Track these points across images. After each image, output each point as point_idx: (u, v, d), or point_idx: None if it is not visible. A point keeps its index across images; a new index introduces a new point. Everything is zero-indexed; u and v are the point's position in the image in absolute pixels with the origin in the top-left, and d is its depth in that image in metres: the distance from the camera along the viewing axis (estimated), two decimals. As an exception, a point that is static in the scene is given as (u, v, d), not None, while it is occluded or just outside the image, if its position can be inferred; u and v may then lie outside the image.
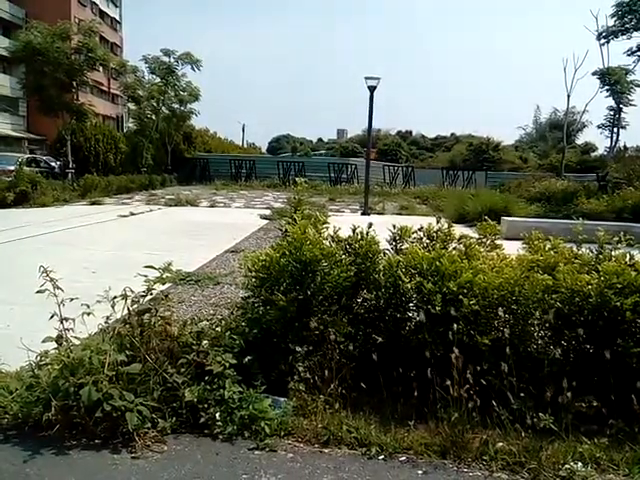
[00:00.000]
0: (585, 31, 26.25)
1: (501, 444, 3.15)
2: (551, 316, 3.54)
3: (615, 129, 26.99)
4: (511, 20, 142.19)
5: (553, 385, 3.27)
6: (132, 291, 3.84)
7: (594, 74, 25.90)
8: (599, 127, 28.40)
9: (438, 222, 4.53)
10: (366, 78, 18.62)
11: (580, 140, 48.17)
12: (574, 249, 4.17)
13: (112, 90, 48.05)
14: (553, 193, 19.74)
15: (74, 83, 24.34)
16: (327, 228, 4.45)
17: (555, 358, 3.52)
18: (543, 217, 15.43)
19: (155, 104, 30.16)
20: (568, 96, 26.65)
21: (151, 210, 18.12)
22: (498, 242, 4.62)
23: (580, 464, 3.05)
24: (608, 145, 28.11)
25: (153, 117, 30.66)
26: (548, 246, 4.23)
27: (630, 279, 3.54)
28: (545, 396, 3.23)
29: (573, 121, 40.41)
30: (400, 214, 18.45)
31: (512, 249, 4.47)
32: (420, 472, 3.08)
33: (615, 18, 24.03)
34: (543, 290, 3.67)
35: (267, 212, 16.99)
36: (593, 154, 40.53)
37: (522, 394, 3.32)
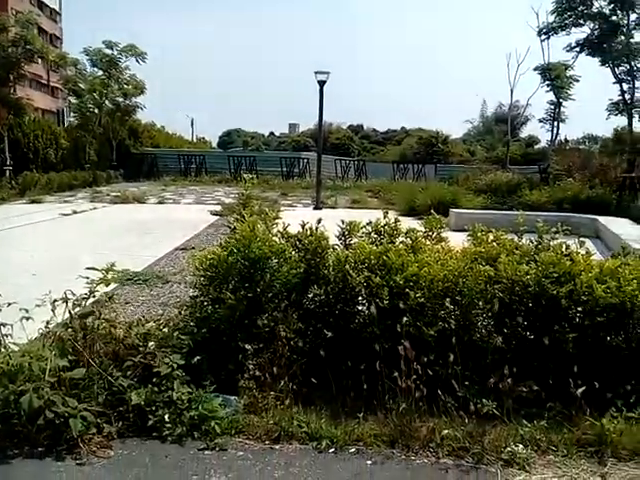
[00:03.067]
0: (527, 28, 27.20)
1: (447, 431, 3.24)
2: (495, 306, 3.67)
3: (555, 123, 28.03)
4: (453, 17, 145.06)
5: (496, 372, 3.39)
6: (74, 294, 3.74)
7: (535, 69, 26.78)
8: (540, 121, 29.39)
9: (385, 217, 4.61)
10: (316, 73, 18.56)
11: (524, 133, 49.78)
12: (516, 240, 4.33)
13: (52, 83, 46.05)
14: (499, 185, 20.31)
15: (11, 77, 23.20)
16: (277, 224, 4.44)
17: (497, 346, 3.66)
18: (489, 208, 15.89)
19: (97, 97, 29.07)
20: (511, 91, 27.53)
21: (95, 208, 17.50)
22: (446, 234, 4.73)
23: (521, 446, 3.19)
24: (549, 138, 29.19)
25: (96, 111, 29.55)
26: (491, 238, 4.37)
27: (565, 268, 3.71)
28: (488, 383, 3.36)
29: (517, 115, 41.77)
30: (352, 208, 18.57)
31: (459, 240, 4.59)
32: (369, 462, 3.14)
33: (555, 14, 24.89)
34: (485, 281, 3.80)
35: (218, 208, 16.73)
36: (536, 147, 41.95)
37: (467, 382, 3.43)
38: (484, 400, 3.31)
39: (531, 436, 3.26)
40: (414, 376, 3.33)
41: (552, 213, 12.51)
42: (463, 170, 27.94)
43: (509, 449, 3.15)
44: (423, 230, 4.66)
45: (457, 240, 4.61)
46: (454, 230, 7.28)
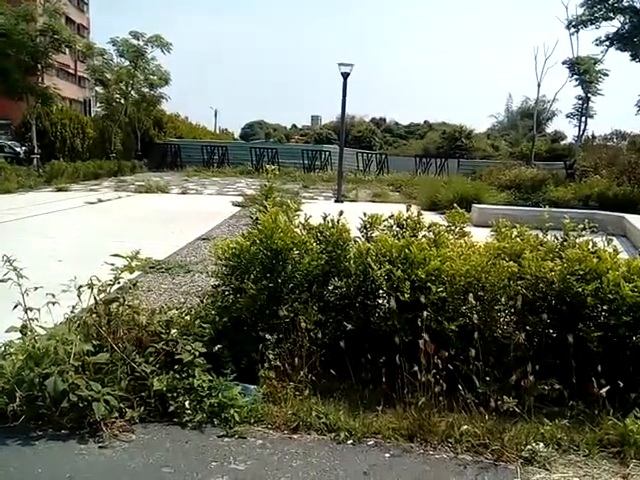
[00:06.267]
0: (556, 21, 26.58)
1: (466, 427, 3.22)
2: (518, 302, 3.62)
3: (583, 118, 27.40)
4: (483, 10, 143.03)
5: (517, 369, 3.36)
6: (99, 280, 3.79)
7: (564, 63, 26.19)
8: (568, 116, 28.73)
9: (408, 210, 4.57)
10: (339, 64, 18.45)
11: (550, 128, 48.79)
12: (540, 236, 4.26)
13: (79, 73, 46.77)
14: (523, 181, 20.00)
15: (39, 66, 23.56)
16: (298, 216, 4.44)
17: (520, 343, 3.61)
18: (513, 205, 15.66)
19: (124, 88, 29.39)
20: (538, 85, 26.94)
21: (120, 197, 17.75)
22: (468, 229, 4.67)
23: (542, 445, 3.15)
24: (576, 134, 28.57)
25: (122, 101, 29.91)
26: (515, 233, 4.31)
27: (591, 266, 3.64)
28: (509, 379, 3.32)
29: (543, 110, 40.97)
30: (373, 201, 18.50)
31: (482, 236, 4.54)
32: (387, 455, 3.14)
33: (585, 7, 24.31)
34: (509, 277, 3.75)
35: (240, 199, 16.82)
36: (562, 142, 41.15)
37: (487, 378, 3.40)
38: (505, 397, 3.27)
39: (552, 435, 3.22)
40: (434, 370, 3.30)
41: (578, 210, 12.30)
42: (487, 165, 27.63)
43: (529, 447, 3.12)
44: (446, 224, 4.62)
45: (480, 236, 4.56)
46: (476, 226, 7.20)
